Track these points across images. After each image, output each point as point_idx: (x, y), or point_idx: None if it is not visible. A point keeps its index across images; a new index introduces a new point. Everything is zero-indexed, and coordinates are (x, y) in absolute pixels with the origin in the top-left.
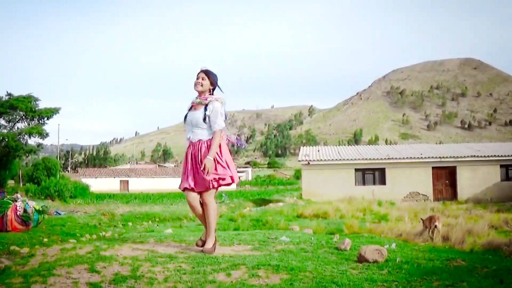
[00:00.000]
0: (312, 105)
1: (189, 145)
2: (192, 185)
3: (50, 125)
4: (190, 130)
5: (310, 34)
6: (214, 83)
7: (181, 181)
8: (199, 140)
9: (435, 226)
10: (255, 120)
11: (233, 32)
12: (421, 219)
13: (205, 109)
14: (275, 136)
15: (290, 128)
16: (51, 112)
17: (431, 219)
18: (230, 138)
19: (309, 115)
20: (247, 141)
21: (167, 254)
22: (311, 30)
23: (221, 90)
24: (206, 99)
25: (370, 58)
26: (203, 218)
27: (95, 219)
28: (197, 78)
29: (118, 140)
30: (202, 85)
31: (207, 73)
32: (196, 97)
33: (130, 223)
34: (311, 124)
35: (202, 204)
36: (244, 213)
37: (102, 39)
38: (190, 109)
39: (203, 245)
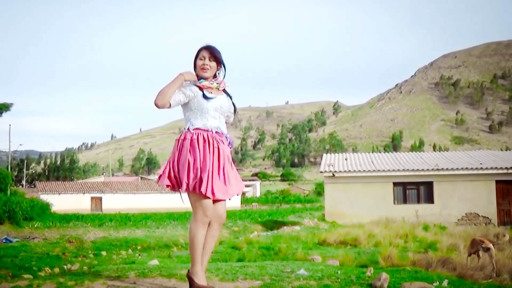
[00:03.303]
0: (337, 101)
1: (206, 135)
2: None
3: None
4: (216, 117)
5: (336, 11)
6: (221, 63)
7: (202, 182)
8: (225, 135)
9: (486, 249)
10: (264, 119)
11: (238, 9)
12: (474, 239)
13: (228, 95)
14: (290, 140)
15: (310, 130)
16: None
17: (473, 243)
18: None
19: (333, 113)
20: (254, 146)
21: None
22: (338, 6)
23: (224, 69)
24: (223, 83)
25: (413, 39)
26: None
27: (58, 247)
28: (203, 59)
29: (89, 145)
30: (210, 68)
31: (214, 53)
32: (201, 79)
33: (104, 253)
34: (336, 125)
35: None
36: (251, 239)
37: (67, 15)
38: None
39: None
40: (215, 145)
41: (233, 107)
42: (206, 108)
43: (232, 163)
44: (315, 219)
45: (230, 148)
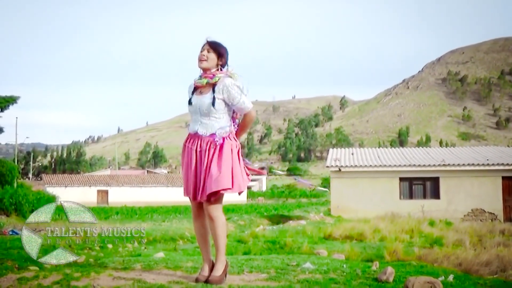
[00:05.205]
0: (344, 96)
1: (191, 139)
2: (195, 193)
3: (5, 119)
4: (197, 120)
5: (343, 6)
6: (223, 57)
7: (185, 188)
8: (212, 135)
9: None
10: (271, 114)
11: (246, 4)
12: None
13: (213, 91)
14: (296, 135)
15: (316, 125)
16: (6, 102)
17: None
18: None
19: (340, 108)
20: (260, 141)
21: (157, 285)
22: (345, 1)
23: (227, 66)
24: (213, 77)
25: (421, 35)
26: (206, 239)
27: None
28: (201, 51)
29: (95, 138)
30: (207, 59)
31: (214, 44)
32: (200, 76)
33: (110, 245)
34: (343, 120)
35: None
36: (256, 233)
37: (74, 8)
38: (194, 92)
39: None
40: (194, 147)
41: (212, 101)
42: (190, 113)
43: (233, 161)
44: (321, 213)
45: (215, 145)
